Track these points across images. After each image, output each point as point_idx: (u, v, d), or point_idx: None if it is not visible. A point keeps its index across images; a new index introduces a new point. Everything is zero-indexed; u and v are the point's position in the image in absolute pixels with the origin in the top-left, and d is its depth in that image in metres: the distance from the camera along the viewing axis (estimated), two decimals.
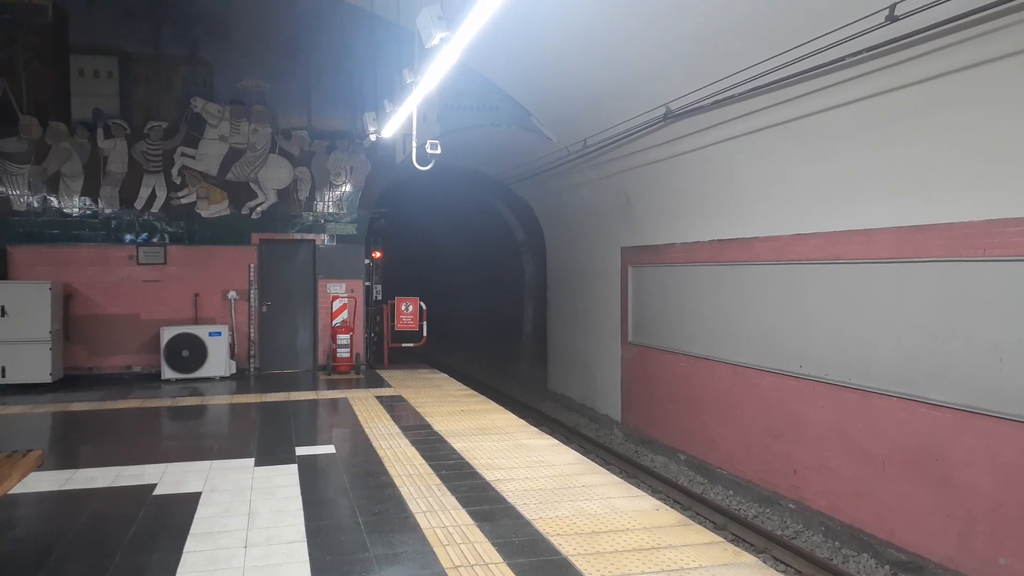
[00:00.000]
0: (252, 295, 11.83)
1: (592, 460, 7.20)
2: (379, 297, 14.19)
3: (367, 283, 12.96)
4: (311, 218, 12.13)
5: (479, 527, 4.59)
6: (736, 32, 7.52)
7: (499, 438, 7.06)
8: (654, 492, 9.51)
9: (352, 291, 12.23)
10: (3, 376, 10.08)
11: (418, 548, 4.25)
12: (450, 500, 5.14)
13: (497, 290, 19.91)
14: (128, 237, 11.35)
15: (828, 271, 7.82)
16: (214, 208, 11.67)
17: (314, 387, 10.37)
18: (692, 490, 9.42)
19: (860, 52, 6.34)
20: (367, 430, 7.47)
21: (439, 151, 9.31)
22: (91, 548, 4.32)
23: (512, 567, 3.97)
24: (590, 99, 10.74)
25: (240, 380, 11.05)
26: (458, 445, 6.77)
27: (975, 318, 6.16)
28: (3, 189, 10.86)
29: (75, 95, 11.11)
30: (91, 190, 11.18)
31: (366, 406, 8.81)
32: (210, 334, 11.02)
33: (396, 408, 8.69)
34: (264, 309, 11.98)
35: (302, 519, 4.75)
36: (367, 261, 13.19)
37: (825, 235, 7.82)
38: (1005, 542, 5.92)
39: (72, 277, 11.07)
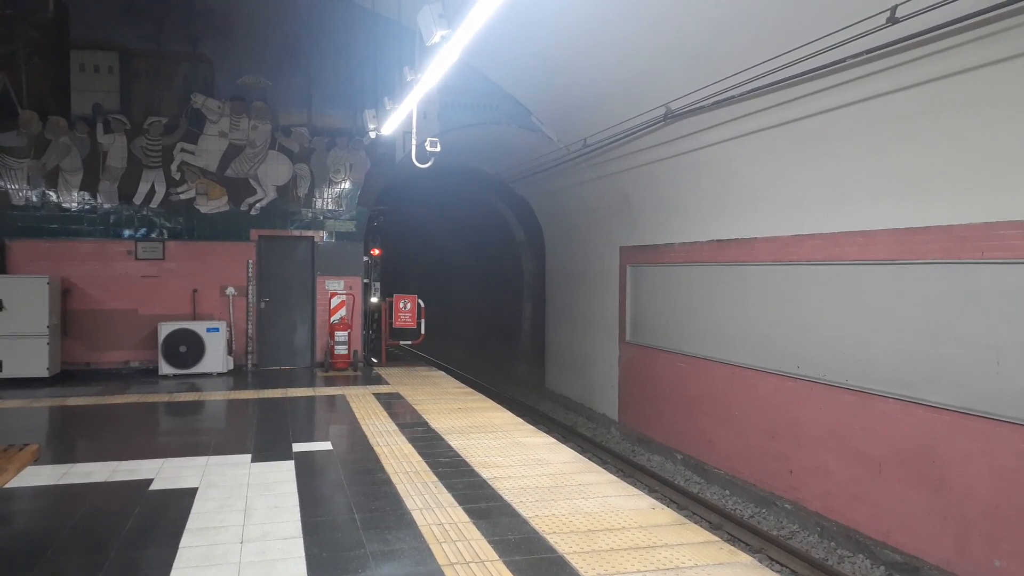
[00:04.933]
0: (250, 291, 11.82)
1: (589, 459, 7.19)
2: (377, 295, 14.19)
3: (365, 280, 12.95)
4: (310, 215, 12.13)
5: (475, 524, 4.59)
6: (737, 33, 7.53)
7: (496, 436, 7.06)
8: (650, 491, 9.51)
9: (350, 288, 12.23)
10: (0, 370, 10.07)
11: (414, 545, 4.25)
12: (446, 497, 5.14)
13: (496, 289, 19.91)
14: (127, 232, 11.34)
15: (826, 272, 7.83)
16: (213, 204, 11.67)
17: (311, 384, 10.36)
18: (688, 490, 9.42)
19: (861, 54, 6.35)
20: (364, 427, 7.47)
21: (439, 149, 9.33)
22: (87, 543, 4.32)
23: (508, 564, 3.97)
24: (590, 98, 10.74)
25: (237, 376, 11.05)
26: (455, 443, 6.77)
27: (973, 320, 6.17)
28: (2, 183, 10.83)
29: (75, 90, 11.10)
30: (90, 185, 11.17)
31: (363, 403, 8.81)
32: (208, 330, 11.01)
33: (393, 405, 8.69)
34: (262, 305, 11.97)
35: (298, 515, 4.75)
36: (366, 258, 13.19)
37: (824, 236, 7.83)
38: (1000, 545, 5.93)
39: (70, 272, 11.06)
